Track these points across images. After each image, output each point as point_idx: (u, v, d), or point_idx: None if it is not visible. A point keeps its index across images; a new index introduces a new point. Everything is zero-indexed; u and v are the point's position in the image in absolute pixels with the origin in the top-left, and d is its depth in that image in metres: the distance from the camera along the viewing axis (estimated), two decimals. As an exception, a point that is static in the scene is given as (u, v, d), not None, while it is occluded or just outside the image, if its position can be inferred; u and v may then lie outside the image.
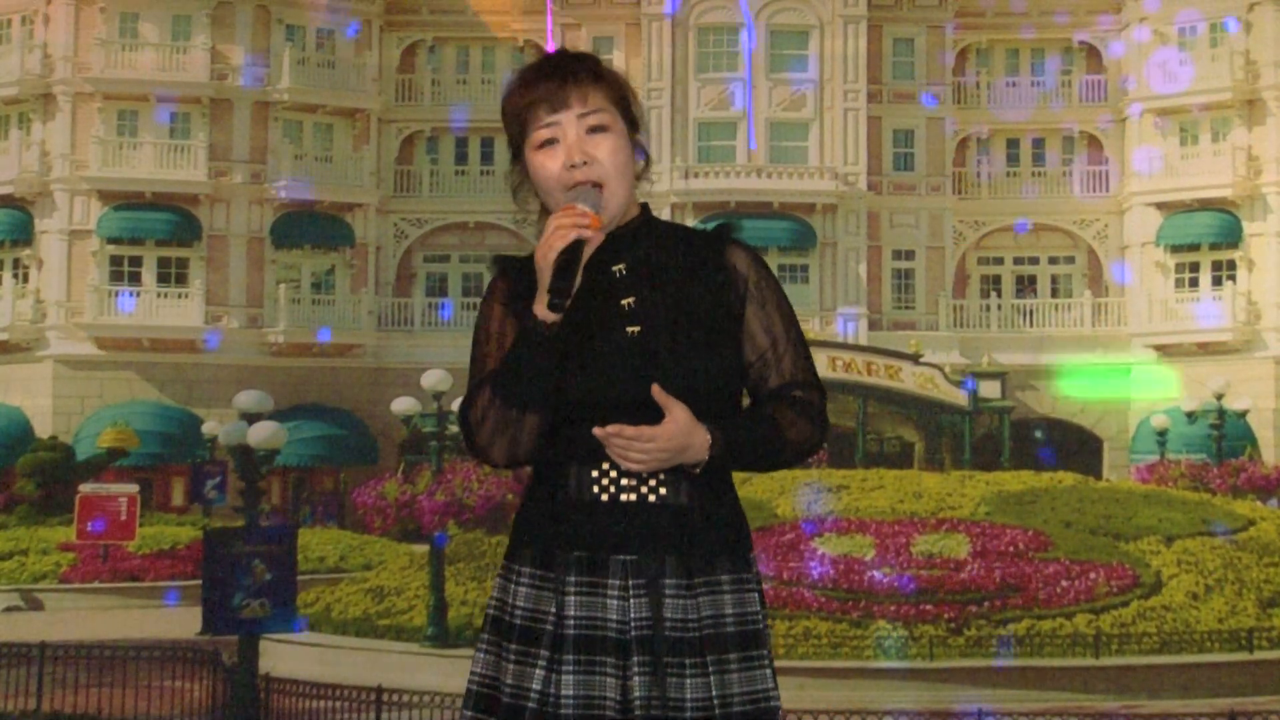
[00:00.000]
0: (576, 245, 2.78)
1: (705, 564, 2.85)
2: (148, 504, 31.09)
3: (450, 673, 15.99)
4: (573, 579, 2.83)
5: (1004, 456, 33.70)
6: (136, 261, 36.84)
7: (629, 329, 2.86)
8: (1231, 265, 37.53)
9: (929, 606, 17.43)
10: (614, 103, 2.92)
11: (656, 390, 2.78)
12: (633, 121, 2.95)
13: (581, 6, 39.55)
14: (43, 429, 34.67)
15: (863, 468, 26.83)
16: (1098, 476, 30.79)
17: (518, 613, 2.86)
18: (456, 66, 40.49)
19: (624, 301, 2.89)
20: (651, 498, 2.84)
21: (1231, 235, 37.36)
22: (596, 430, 2.78)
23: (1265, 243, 36.94)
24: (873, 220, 39.15)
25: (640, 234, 2.96)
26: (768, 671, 2.88)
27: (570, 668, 2.78)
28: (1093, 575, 18.30)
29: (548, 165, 2.88)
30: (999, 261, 40.31)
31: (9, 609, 25.63)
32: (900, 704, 15.31)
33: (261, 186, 37.54)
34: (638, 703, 2.76)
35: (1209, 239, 37.60)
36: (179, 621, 20.03)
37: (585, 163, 2.86)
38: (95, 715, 14.43)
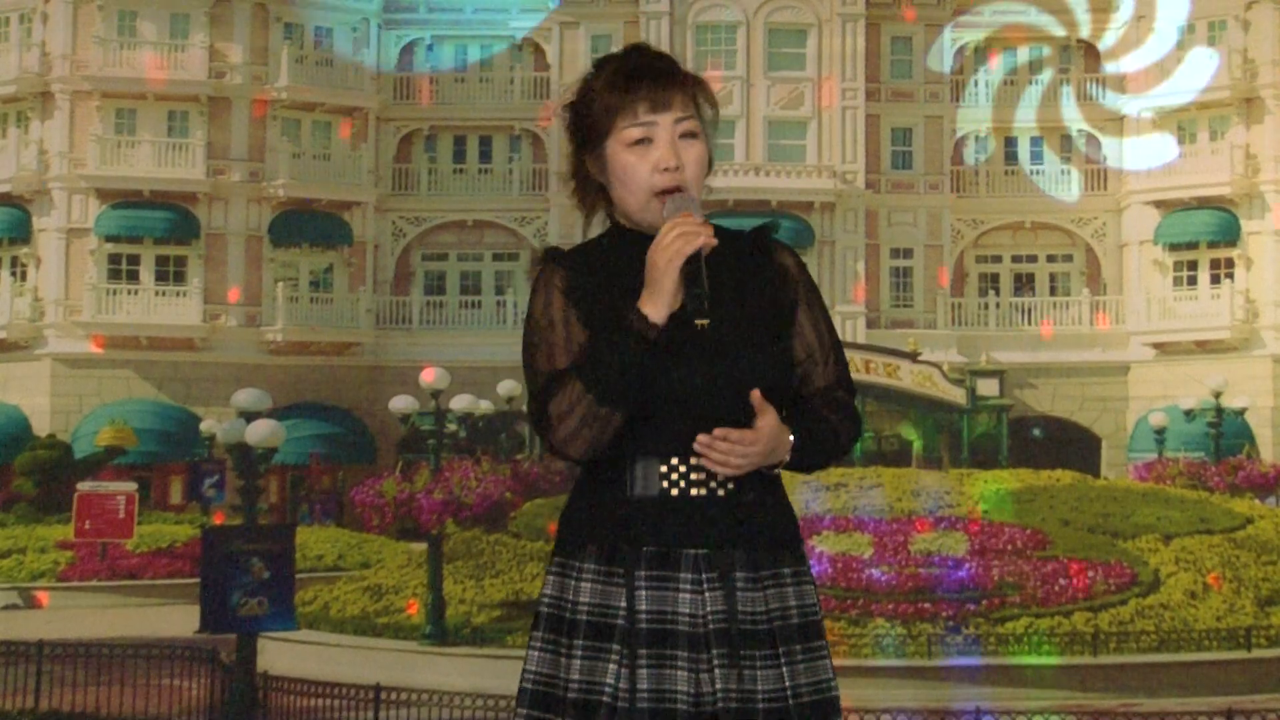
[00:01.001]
0: (696, 254, 2.82)
1: (770, 557, 2.90)
2: (146, 502, 31.09)
3: (449, 671, 16.00)
4: (643, 573, 2.84)
5: (1002, 455, 33.72)
6: (135, 260, 36.83)
7: (698, 322, 2.87)
8: (1230, 263, 37.54)
9: (927, 605, 17.44)
10: (699, 111, 2.97)
11: (756, 396, 2.82)
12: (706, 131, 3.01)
13: (580, 4, 39.53)
14: (41, 427, 34.68)
15: (861, 466, 26.83)
16: (1095, 475, 30.79)
17: (581, 608, 2.87)
18: (455, 65, 40.45)
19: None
20: (721, 492, 2.88)
21: (1230, 233, 37.38)
22: (701, 437, 2.81)
23: (1263, 241, 36.95)
24: (871, 218, 39.15)
25: None
26: (828, 662, 2.94)
27: (645, 662, 2.80)
28: (1091, 574, 18.31)
29: (637, 164, 2.91)
30: (997, 260, 40.31)
31: (7, 607, 25.63)
32: (898, 702, 15.29)
33: (260, 185, 37.54)
34: (717, 695, 2.79)
35: (1207, 237, 37.62)
36: (177, 620, 20.02)
37: (678, 167, 2.91)
38: (93, 714, 14.43)
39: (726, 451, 2.81)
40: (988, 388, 35.17)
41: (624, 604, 2.84)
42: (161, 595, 25.68)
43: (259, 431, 15.18)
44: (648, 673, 2.79)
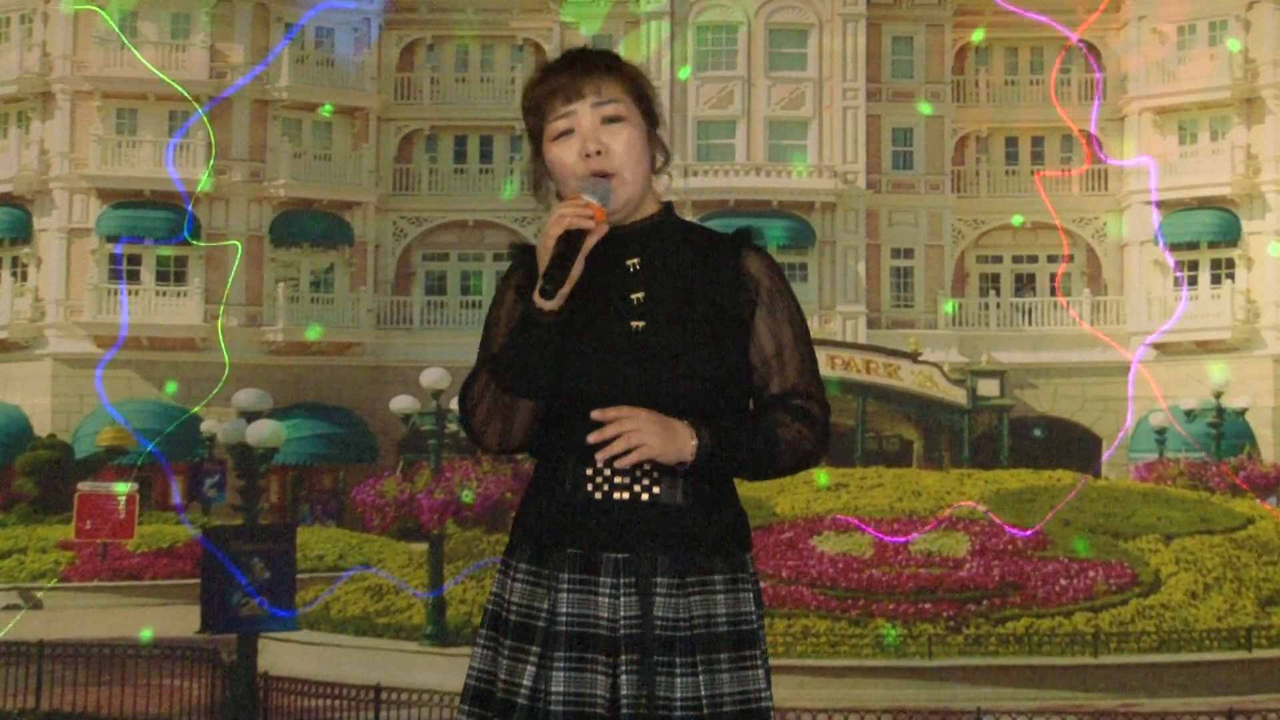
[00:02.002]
0: (577, 235, 2.76)
1: (698, 563, 2.83)
2: (146, 502, 31.09)
3: (449, 671, 16.00)
4: (565, 576, 2.82)
5: (1003, 455, 33.72)
6: (136, 260, 36.82)
7: (634, 323, 2.84)
8: (1230, 264, 37.53)
9: (928, 605, 17.44)
10: (631, 96, 2.91)
11: (597, 414, 2.76)
12: (651, 116, 2.94)
13: (581, 5, 39.51)
14: (41, 427, 34.68)
15: (862, 466, 26.84)
16: (1096, 475, 30.79)
17: (513, 608, 2.86)
18: (456, 65, 40.47)
19: (633, 296, 2.87)
20: (644, 496, 2.82)
21: (1230, 233, 37.37)
22: (591, 436, 2.76)
23: (1264, 241, 36.94)
24: (872, 219, 39.14)
25: (658, 231, 2.94)
26: (760, 672, 2.86)
27: (561, 665, 2.77)
28: (1091, 574, 18.30)
29: (564, 156, 2.87)
30: (998, 260, 40.30)
31: (8, 607, 25.62)
32: (899, 702, 15.30)
33: (260, 185, 37.54)
34: (626, 701, 2.75)
35: (1208, 237, 37.61)
36: (177, 620, 20.02)
37: (599, 152, 2.85)
38: (94, 714, 14.43)
39: (612, 434, 2.75)
40: (988, 388, 35.17)
41: (547, 606, 2.82)
42: (162, 595, 25.67)
43: (260, 431, 15.18)
44: (564, 675, 2.76)
